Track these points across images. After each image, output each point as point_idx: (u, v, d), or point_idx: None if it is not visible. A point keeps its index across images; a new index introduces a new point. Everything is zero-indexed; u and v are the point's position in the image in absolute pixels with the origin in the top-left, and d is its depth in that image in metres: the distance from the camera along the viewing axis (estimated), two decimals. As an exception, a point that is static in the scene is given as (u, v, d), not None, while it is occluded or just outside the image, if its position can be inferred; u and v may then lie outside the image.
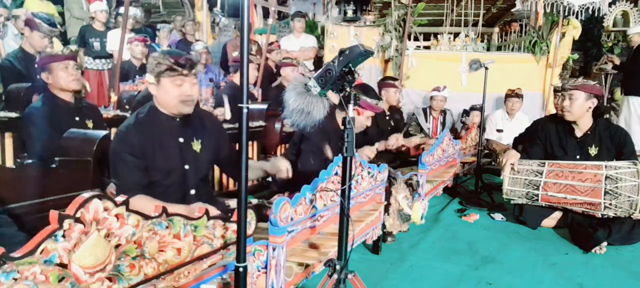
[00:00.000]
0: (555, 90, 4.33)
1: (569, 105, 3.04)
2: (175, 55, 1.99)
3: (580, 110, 3.05)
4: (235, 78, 4.32)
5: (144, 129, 2.02)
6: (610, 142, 3.09)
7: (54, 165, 2.19)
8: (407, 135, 4.82)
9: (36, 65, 2.84)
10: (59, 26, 4.69)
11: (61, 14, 6.50)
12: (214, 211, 1.63)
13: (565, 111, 3.07)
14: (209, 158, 2.22)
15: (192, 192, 2.13)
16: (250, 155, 3.62)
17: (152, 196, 1.98)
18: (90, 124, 2.86)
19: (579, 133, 3.14)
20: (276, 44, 5.94)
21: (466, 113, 5.43)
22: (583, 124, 3.11)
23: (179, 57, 1.98)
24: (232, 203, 2.28)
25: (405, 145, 4.26)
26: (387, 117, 4.51)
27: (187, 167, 2.10)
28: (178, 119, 2.09)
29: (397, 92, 4.48)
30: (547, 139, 3.26)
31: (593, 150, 3.10)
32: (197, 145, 2.14)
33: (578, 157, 3.12)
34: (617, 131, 3.14)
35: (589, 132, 3.12)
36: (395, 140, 3.95)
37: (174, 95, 2.00)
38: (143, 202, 1.89)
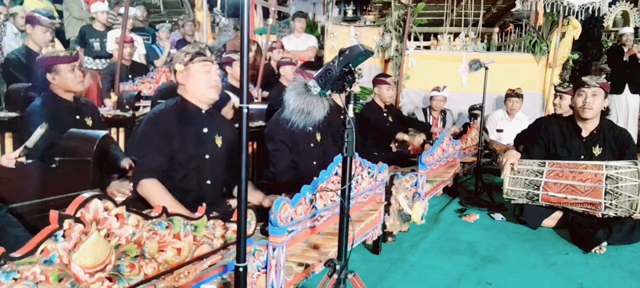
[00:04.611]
0: (557, 90, 4.35)
1: (592, 101, 3.00)
2: (201, 46, 2.19)
3: (599, 108, 3.04)
4: (230, 79, 4.25)
5: (173, 115, 2.16)
6: (614, 142, 3.08)
7: (54, 165, 2.19)
8: (420, 123, 4.83)
9: (39, 64, 2.83)
10: (57, 19, 4.67)
11: (60, 14, 6.49)
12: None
13: (586, 108, 3.01)
14: (227, 155, 2.31)
15: (208, 182, 2.23)
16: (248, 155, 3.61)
17: (172, 182, 2.09)
18: (89, 121, 2.86)
19: (585, 132, 3.13)
20: (279, 44, 5.93)
21: (473, 116, 5.41)
22: (592, 123, 3.10)
23: (203, 47, 2.18)
24: (233, 203, 2.29)
25: (409, 142, 4.29)
26: (385, 114, 4.51)
27: (207, 156, 2.21)
28: (203, 111, 2.23)
29: (389, 89, 4.47)
30: (550, 139, 3.24)
31: (597, 150, 3.09)
32: (218, 140, 2.26)
33: (582, 157, 3.11)
34: (622, 132, 3.13)
35: (595, 132, 3.11)
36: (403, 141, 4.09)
37: (202, 80, 2.15)
38: (155, 188, 2.01)
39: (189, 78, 2.16)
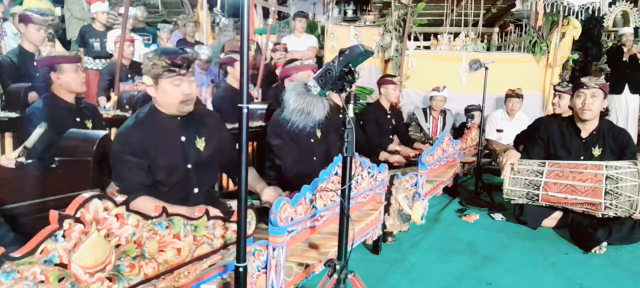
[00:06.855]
0: (556, 90, 4.35)
1: (591, 102, 2.98)
2: (172, 55, 1.94)
3: (598, 109, 3.03)
4: (231, 79, 4.23)
5: (145, 129, 2.00)
6: (613, 143, 3.08)
7: (54, 165, 2.19)
8: (408, 137, 4.82)
9: (36, 63, 2.84)
10: (53, 16, 4.60)
11: (61, 18, 6.50)
12: (214, 211, 1.63)
13: (585, 109, 3.00)
14: (213, 157, 2.19)
15: (195, 190, 2.12)
16: (249, 154, 3.61)
17: (156, 196, 1.96)
18: (89, 124, 2.87)
19: (585, 133, 3.13)
20: (282, 46, 5.92)
21: (471, 116, 5.40)
22: (592, 123, 3.09)
23: (175, 57, 1.93)
24: (233, 204, 2.28)
25: (403, 154, 4.28)
26: (389, 116, 4.51)
27: (189, 166, 2.08)
28: (179, 118, 2.07)
29: (396, 88, 4.46)
30: (549, 139, 3.24)
31: (597, 151, 3.09)
32: (201, 143, 2.12)
33: (582, 157, 3.10)
34: (621, 132, 3.13)
35: (594, 132, 3.11)
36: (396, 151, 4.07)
37: (173, 96, 1.97)
38: (147, 203, 1.86)
39: (159, 92, 1.98)
